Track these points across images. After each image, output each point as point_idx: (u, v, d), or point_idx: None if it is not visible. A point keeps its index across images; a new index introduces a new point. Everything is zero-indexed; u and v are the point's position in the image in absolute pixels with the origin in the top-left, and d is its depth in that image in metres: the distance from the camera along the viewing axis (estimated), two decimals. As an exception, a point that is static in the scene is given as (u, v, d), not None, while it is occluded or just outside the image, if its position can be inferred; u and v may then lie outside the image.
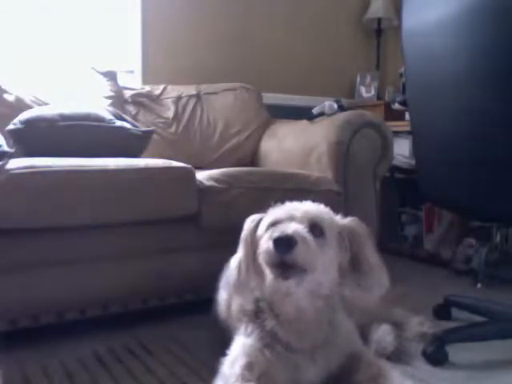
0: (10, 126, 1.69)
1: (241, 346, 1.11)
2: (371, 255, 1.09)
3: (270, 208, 1.11)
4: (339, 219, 1.11)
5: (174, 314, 1.74)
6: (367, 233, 1.11)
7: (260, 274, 1.07)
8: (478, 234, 2.41)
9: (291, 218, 1.02)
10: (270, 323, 1.10)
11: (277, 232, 0.97)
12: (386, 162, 2.14)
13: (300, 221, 1.02)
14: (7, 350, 1.43)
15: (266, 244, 0.99)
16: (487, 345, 1.46)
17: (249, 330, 1.13)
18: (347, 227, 1.10)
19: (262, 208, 1.66)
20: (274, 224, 1.03)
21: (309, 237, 0.99)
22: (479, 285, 2.18)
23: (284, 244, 0.95)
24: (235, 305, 1.22)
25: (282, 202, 1.12)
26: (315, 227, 1.02)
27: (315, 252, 0.99)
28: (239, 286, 1.11)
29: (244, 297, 1.15)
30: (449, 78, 1.39)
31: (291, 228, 0.98)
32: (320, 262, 1.01)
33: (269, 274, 1.02)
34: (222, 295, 1.34)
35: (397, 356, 1.36)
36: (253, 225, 1.10)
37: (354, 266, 1.08)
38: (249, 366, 1.05)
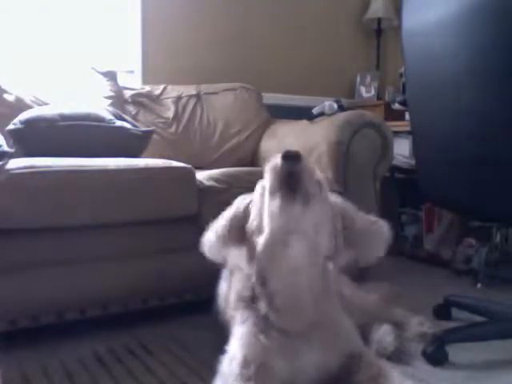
0: (10, 126, 1.69)
1: (237, 340, 1.12)
2: (366, 216, 1.13)
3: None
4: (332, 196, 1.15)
5: (174, 314, 1.74)
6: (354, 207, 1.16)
7: (251, 249, 1.08)
8: (478, 234, 2.41)
9: None
10: (264, 308, 1.10)
11: (283, 151, 1.01)
12: (386, 161, 2.14)
13: None
14: (7, 350, 1.43)
15: (273, 162, 1.02)
16: (487, 345, 1.46)
17: (244, 316, 1.14)
18: (339, 204, 1.14)
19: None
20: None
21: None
22: (479, 285, 2.18)
23: (292, 157, 0.99)
24: (233, 294, 1.23)
25: None
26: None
27: (316, 181, 1.03)
28: (214, 247, 1.13)
29: (216, 259, 1.15)
30: (449, 78, 1.39)
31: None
32: (319, 203, 1.03)
33: (271, 207, 1.01)
34: (223, 287, 1.35)
35: (397, 356, 1.36)
36: (245, 202, 1.13)
37: (349, 242, 1.11)
38: (245, 362, 1.05)
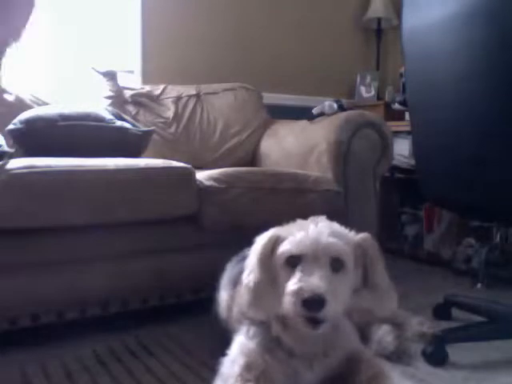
0: (10, 126, 1.69)
1: (240, 346, 1.11)
2: (382, 277, 1.09)
3: (284, 225, 1.10)
4: (353, 236, 1.09)
5: (174, 314, 1.74)
6: (378, 250, 1.10)
7: (277, 295, 1.04)
8: (478, 234, 2.41)
9: (314, 257, 1.00)
10: (276, 329, 1.09)
11: (306, 292, 0.95)
12: (385, 161, 2.14)
13: (323, 262, 1.00)
14: (7, 349, 1.43)
15: (293, 299, 0.97)
16: (487, 345, 1.46)
17: (251, 332, 1.12)
18: (361, 244, 1.08)
19: (262, 208, 1.66)
20: (294, 258, 1.01)
21: (337, 285, 0.99)
22: (479, 285, 2.18)
23: (315, 304, 0.95)
24: (236, 308, 1.22)
25: (290, 216, 1.12)
26: (336, 261, 1.01)
27: (340, 296, 1.00)
28: (256, 308, 1.08)
29: (256, 316, 1.12)
30: (448, 77, 1.39)
31: (320, 287, 0.96)
32: (341, 297, 1.01)
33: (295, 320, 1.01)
34: (223, 296, 1.33)
35: (397, 356, 1.36)
36: (269, 245, 1.07)
37: (366, 280, 1.08)
38: (247, 367, 1.05)
